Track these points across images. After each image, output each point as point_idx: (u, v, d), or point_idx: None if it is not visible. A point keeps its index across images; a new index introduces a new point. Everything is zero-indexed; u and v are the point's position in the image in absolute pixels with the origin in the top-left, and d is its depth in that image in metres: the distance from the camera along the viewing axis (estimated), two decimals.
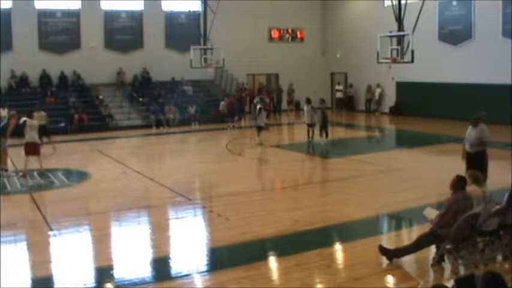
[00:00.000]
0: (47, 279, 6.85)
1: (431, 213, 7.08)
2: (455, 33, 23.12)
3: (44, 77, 24.25)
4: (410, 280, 6.53)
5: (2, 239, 8.09)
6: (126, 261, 7.50)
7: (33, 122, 13.64)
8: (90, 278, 6.91)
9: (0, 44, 22.69)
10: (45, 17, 24.49)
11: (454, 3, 23.12)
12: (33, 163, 13.34)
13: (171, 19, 26.97)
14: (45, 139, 17.07)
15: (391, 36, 17.63)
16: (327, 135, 17.84)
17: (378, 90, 27.33)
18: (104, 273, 6.97)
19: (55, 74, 24.51)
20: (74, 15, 24.97)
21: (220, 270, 6.98)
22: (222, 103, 23.78)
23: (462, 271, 6.41)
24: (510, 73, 19.84)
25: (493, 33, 21.27)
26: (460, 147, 11.23)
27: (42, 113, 17.58)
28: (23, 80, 23.73)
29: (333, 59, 30.32)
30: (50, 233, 8.73)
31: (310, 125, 17.93)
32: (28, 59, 23.67)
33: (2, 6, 23.19)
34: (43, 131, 16.11)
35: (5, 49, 23.13)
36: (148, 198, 11.39)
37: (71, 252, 7.87)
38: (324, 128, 17.76)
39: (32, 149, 13.25)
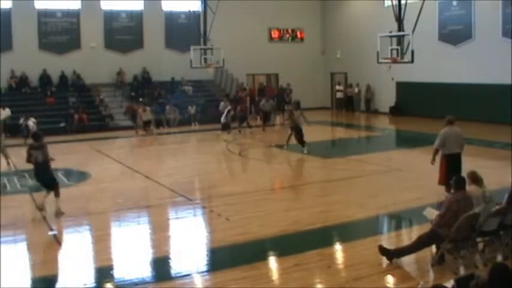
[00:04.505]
0: (47, 279, 6.85)
1: (432, 213, 7.07)
2: (455, 33, 23.11)
3: (44, 77, 24.24)
4: (410, 280, 6.52)
5: (2, 239, 8.09)
6: (126, 261, 7.49)
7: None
8: (90, 278, 6.90)
9: (0, 44, 22.69)
10: (45, 17, 24.49)
11: (454, 3, 23.11)
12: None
13: (171, 19, 26.97)
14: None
15: (391, 36, 17.61)
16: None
17: (365, 89, 27.45)
18: (104, 273, 6.97)
19: (55, 74, 24.51)
20: (74, 15, 24.97)
21: (220, 270, 6.97)
22: (222, 103, 23.73)
23: (462, 271, 6.41)
24: (510, 73, 19.83)
25: (493, 33, 21.26)
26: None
27: (148, 110, 21.94)
28: (23, 80, 23.73)
29: (333, 59, 30.31)
30: (50, 233, 8.73)
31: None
32: (28, 59, 23.67)
33: (2, 6, 23.18)
34: (150, 124, 21.81)
35: (5, 49, 23.13)
36: (148, 198, 11.39)
37: (71, 252, 7.88)
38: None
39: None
